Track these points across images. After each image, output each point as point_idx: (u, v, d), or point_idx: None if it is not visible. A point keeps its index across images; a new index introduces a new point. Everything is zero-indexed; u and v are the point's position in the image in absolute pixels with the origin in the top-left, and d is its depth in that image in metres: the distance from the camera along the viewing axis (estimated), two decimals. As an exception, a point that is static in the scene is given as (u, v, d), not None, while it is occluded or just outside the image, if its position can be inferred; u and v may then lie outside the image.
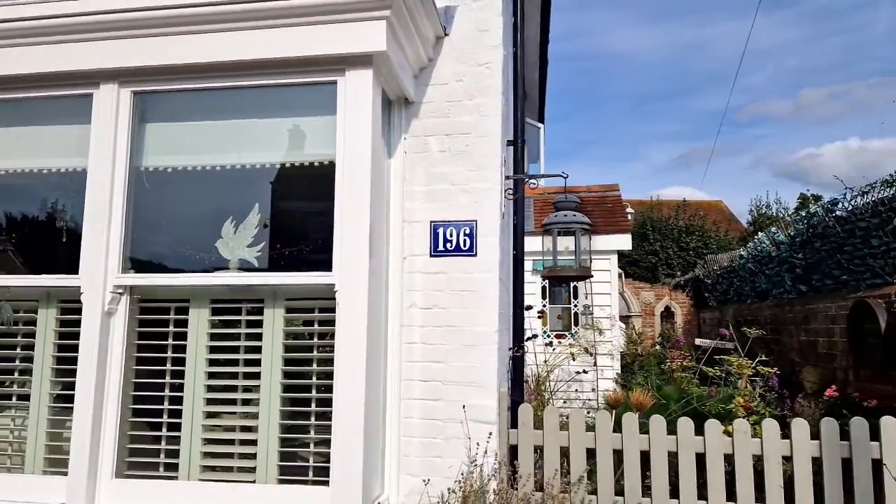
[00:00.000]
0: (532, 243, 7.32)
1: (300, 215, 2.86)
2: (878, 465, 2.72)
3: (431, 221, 3.02)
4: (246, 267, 2.73)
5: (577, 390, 5.78)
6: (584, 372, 5.59)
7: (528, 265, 7.32)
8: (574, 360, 5.39)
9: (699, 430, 2.86)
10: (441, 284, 2.99)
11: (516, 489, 2.89)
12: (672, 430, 2.92)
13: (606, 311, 6.94)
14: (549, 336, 7.15)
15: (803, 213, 7.07)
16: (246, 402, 2.75)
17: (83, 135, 2.83)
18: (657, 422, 2.89)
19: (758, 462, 2.82)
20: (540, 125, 10.93)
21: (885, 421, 2.72)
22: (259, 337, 2.74)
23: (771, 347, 8.08)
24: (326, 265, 2.59)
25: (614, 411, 3.36)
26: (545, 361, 5.53)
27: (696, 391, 4.09)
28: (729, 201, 29.15)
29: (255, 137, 2.85)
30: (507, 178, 3.40)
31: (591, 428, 3.04)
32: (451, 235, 2.99)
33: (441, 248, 3.00)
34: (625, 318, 12.55)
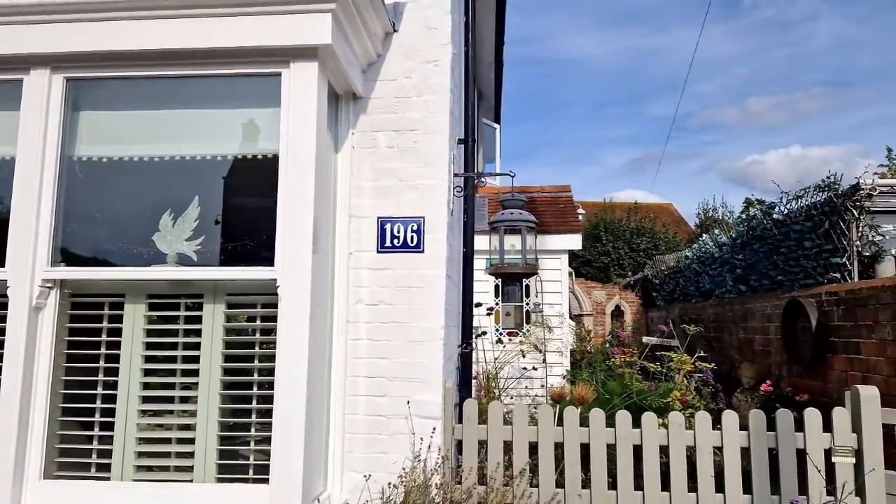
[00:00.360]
0: (486, 242, 7.41)
1: (243, 209, 2.81)
2: (802, 455, 2.88)
3: (379, 217, 3.01)
4: (185, 261, 2.66)
5: (526, 387, 5.87)
6: (534, 369, 5.68)
7: (481, 264, 7.39)
8: (524, 356, 5.48)
9: (637, 423, 2.96)
10: (388, 281, 2.99)
11: (461, 483, 2.92)
12: (612, 423, 3.01)
13: (557, 309, 7.07)
14: (501, 334, 7.23)
15: (744, 216, 7.38)
16: (184, 399, 2.68)
17: (13, 122, 2.69)
18: (596, 415, 2.97)
19: (692, 453, 2.94)
20: (496, 126, 11.04)
21: (809, 413, 2.87)
22: (198, 333, 2.67)
23: (713, 345, 8.41)
24: (269, 260, 2.55)
25: (558, 406, 3.43)
26: (496, 359, 5.60)
27: (637, 386, 4.22)
28: (679, 205, 30.22)
29: (196, 128, 2.78)
30: (457, 175, 3.42)
31: (535, 422, 3.10)
32: (398, 232, 2.99)
33: (388, 244, 3.00)
34: (577, 317, 12.81)
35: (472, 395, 5.09)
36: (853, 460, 2.79)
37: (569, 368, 6.88)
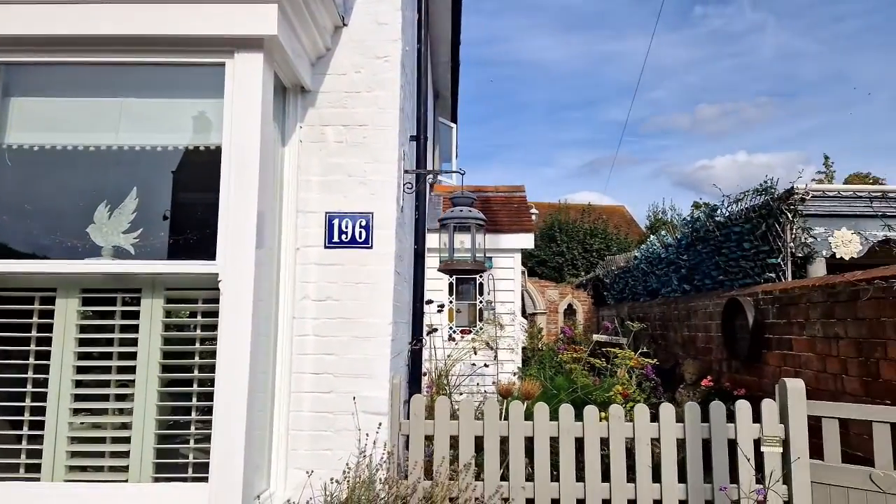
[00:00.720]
0: (440, 240, 7.45)
1: (185, 202, 2.73)
2: (734, 445, 3.01)
3: (327, 212, 2.99)
4: (121, 255, 2.57)
5: (478, 384, 5.93)
6: (486, 366, 5.75)
7: (435, 262, 7.42)
8: (476, 354, 5.53)
9: (581, 417, 3.03)
10: (335, 276, 2.97)
11: (407, 478, 2.93)
12: (557, 417, 3.08)
13: (509, 307, 7.17)
14: (454, 331, 7.27)
15: (688, 218, 7.66)
16: (120, 397, 2.59)
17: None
18: (541, 409, 3.03)
19: (632, 444, 3.04)
20: (453, 125, 11.09)
21: (740, 405, 3.01)
22: (136, 329, 2.59)
23: (659, 342, 8.69)
24: (211, 254, 2.49)
25: (505, 401, 3.48)
26: (448, 356, 5.63)
27: (583, 381, 4.33)
28: (631, 207, 31.04)
29: (135, 118, 2.69)
30: (407, 171, 3.43)
31: (482, 417, 3.14)
32: (346, 227, 2.98)
33: (336, 239, 2.98)
34: (531, 316, 13.00)
35: (423, 392, 5.11)
36: (780, 450, 2.94)
37: (520, 365, 6.98)
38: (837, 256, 5.59)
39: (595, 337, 10.78)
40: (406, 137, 3.66)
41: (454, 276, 7.43)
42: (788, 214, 5.58)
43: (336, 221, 2.98)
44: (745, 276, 6.31)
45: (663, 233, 8.87)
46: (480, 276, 7.39)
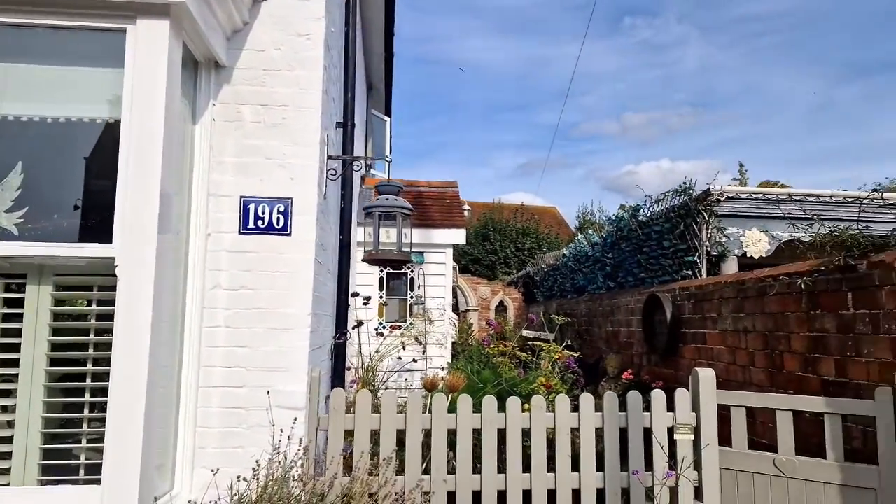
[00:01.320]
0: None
1: (80, 180, 2.49)
2: (650, 434, 3.10)
3: (242, 196, 2.83)
4: (3, 236, 2.31)
5: (407, 379, 5.86)
6: (414, 361, 5.69)
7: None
8: (405, 349, 5.46)
9: (505, 409, 3.02)
10: (250, 264, 2.81)
11: (324, 475, 2.82)
12: (481, 409, 3.05)
13: (440, 302, 7.14)
14: (384, 326, 7.16)
15: (613, 217, 7.90)
16: (0, 393, 2.33)
17: None
18: (464, 401, 3.00)
19: (553, 434, 3.06)
20: (387, 118, 10.95)
21: (655, 394, 3.09)
22: (20, 318, 2.34)
23: (584, 338, 8.93)
24: (107, 237, 2.29)
25: (430, 394, 3.43)
26: (377, 351, 5.52)
27: (509, 374, 4.35)
28: (562, 208, 31.94)
29: (23, 85, 2.43)
30: (331, 157, 3.31)
31: (405, 410, 3.07)
32: (263, 212, 2.82)
33: (252, 225, 2.82)
34: (464, 312, 13.06)
35: (349, 387, 4.98)
36: (692, 437, 3.05)
37: (450, 360, 6.96)
38: (748, 255, 5.91)
39: (524, 332, 10.96)
40: (331, 122, 3.53)
41: (385, 271, 7.32)
42: (704, 214, 5.85)
43: (252, 206, 2.82)
44: (664, 273, 6.57)
45: (590, 231, 9.12)
46: (411, 271, 7.32)
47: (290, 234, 2.84)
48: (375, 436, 2.98)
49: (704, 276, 5.90)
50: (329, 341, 3.76)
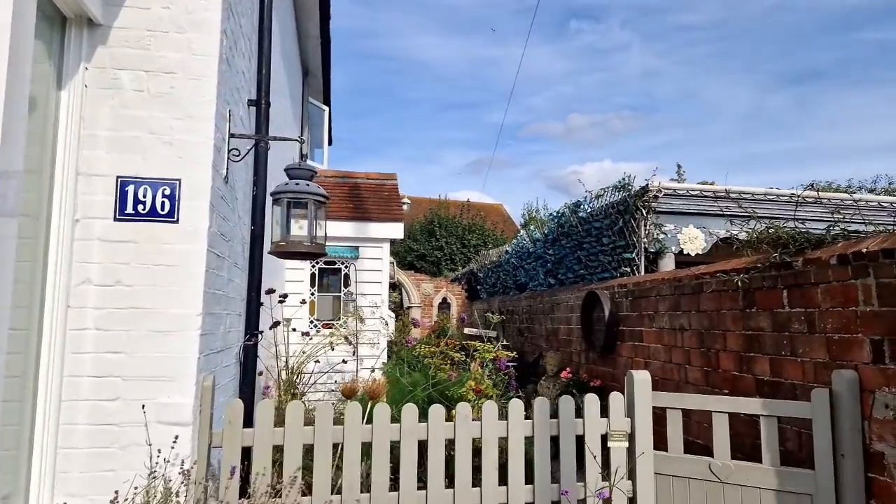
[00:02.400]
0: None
1: None
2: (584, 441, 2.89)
3: (119, 177, 2.42)
4: None
5: (336, 382, 5.49)
6: (344, 362, 5.33)
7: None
8: (333, 349, 5.10)
9: (427, 417, 2.74)
10: (128, 256, 2.41)
11: (218, 497, 2.45)
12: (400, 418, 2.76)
13: (376, 299, 6.80)
14: (316, 325, 6.76)
15: (555, 214, 7.77)
16: None
17: None
18: (381, 410, 2.69)
19: (480, 444, 2.80)
20: (325, 107, 10.48)
21: (588, 399, 2.88)
22: None
23: (525, 335, 8.79)
24: (-71, 220, 1.84)
25: (348, 402, 3.10)
26: (303, 352, 5.13)
27: (441, 376, 4.08)
28: (508, 206, 32.08)
29: None
30: (234, 136, 2.92)
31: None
32: (144, 196, 2.42)
33: (131, 210, 2.42)
34: (407, 309, 12.74)
35: (269, 395, 4.58)
36: (626, 444, 2.85)
37: (385, 361, 6.64)
38: (685, 252, 5.87)
39: (466, 330, 10.76)
40: (238, 98, 3.14)
41: (317, 266, 6.91)
42: (643, 211, 5.75)
43: (131, 188, 2.41)
44: (604, 270, 6.47)
45: (532, 228, 8.98)
46: (346, 267, 6.95)
47: (177, 221, 2.45)
48: (280, 451, 2.64)
49: (643, 272, 5.81)
50: (237, 344, 3.38)
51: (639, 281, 5.36)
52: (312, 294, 6.79)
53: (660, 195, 5.74)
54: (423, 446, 2.71)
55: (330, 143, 13.25)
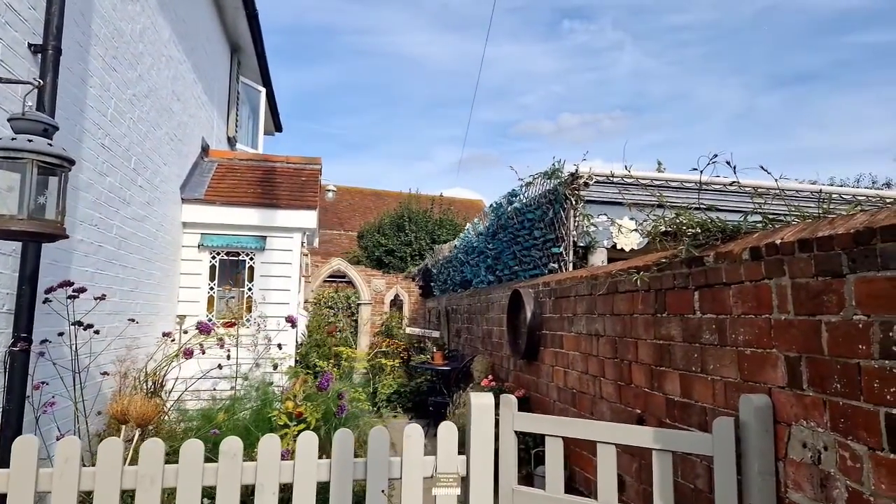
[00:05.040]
0: (204, 213, 6.15)
1: None
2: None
3: None
4: None
5: (214, 388, 4.79)
6: (220, 367, 4.63)
7: (195, 238, 6.13)
8: (204, 353, 4.38)
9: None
10: None
11: None
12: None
13: (283, 295, 6.08)
14: (215, 323, 6.03)
15: (494, 205, 7.08)
16: None
17: None
18: (108, 447, 1.97)
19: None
20: (262, 88, 9.74)
21: (408, 430, 2.18)
22: None
23: (463, 336, 8.12)
24: None
25: (123, 430, 2.40)
26: (177, 354, 4.42)
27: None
28: (488, 200, 31.34)
29: None
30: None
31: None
32: None
33: None
34: (357, 306, 12.04)
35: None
36: (458, 491, 2.16)
37: (292, 364, 5.93)
38: (618, 247, 5.20)
39: (408, 330, 10.07)
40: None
41: (218, 258, 6.18)
42: (572, 200, 5.08)
43: None
44: (535, 266, 5.79)
45: (476, 220, 8.28)
46: (251, 259, 6.22)
47: None
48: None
49: (570, 269, 5.14)
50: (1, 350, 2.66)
51: (561, 279, 4.69)
52: (211, 287, 6.07)
53: (590, 182, 5.07)
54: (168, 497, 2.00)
55: (279, 129, 12.50)
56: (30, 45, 2.80)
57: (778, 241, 2.32)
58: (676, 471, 3.01)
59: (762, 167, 2.65)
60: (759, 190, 3.55)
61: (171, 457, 2.04)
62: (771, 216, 2.76)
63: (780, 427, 2.34)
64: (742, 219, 2.77)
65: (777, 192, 2.93)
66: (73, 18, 3.32)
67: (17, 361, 2.69)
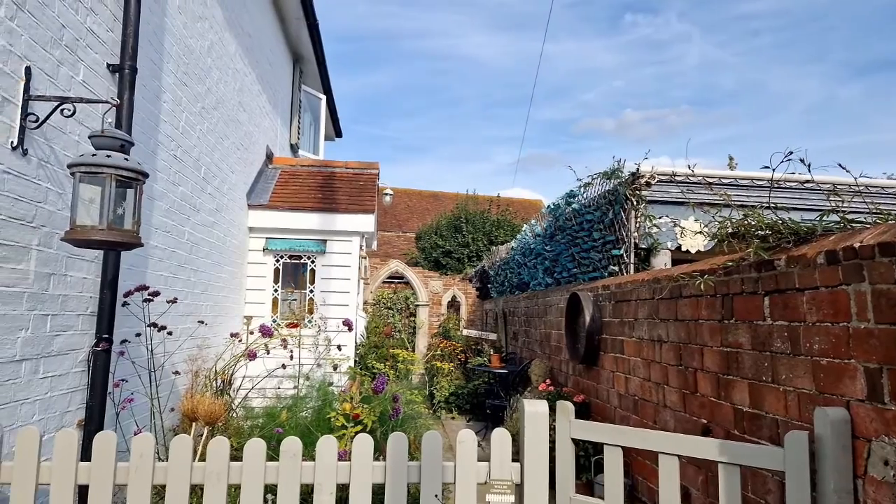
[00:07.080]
0: (268, 218, 6.39)
1: None
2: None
3: None
4: None
5: (279, 387, 4.96)
6: (283, 367, 4.79)
7: (260, 242, 6.38)
8: (268, 353, 4.55)
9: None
10: None
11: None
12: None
13: (344, 297, 6.23)
14: (280, 324, 6.26)
15: (552, 206, 6.97)
16: None
17: None
18: (180, 444, 2.08)
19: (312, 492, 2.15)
20: (322, 96, 10.01)
21: (462, 436, 2.18)
22: None
23: (521, 339, 8.04)
24: None
25: (194, 427, 2.53)
26: (236, 355, 4.62)
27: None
28: (548, 200, 30.92)
29: None
30: (39, 98, 2.39)
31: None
32: None
33: None
34: (415, 307, 12.16)
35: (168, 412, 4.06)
36: (511, 498, 2.14)
37: (352, 365, 6.06)
38: (683, 249, 5.00)
39: (464, 332, 10.07)
40: (60, 56, 2.61)
41: (282, 261, 6.41)
42: (633, 200, 4.94)
43: None
44: (594, 268, 5.67)
45: (533, 221, 8.18)
46: (312, 262, 6.41)
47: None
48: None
49: (631, 272, 4.99)
50: (81, 350, 2.86)
51: (621, 282, 4.57)
52: (276, 290, 6.30)
53: (652, 182, 4.91)
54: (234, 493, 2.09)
55: (339, 134, 12.80)
56: (108, 65, 3.00)
57: (857, 245, 2.17)
58: (746, 485, 2.86)
59: (840, 165, 2.47)
60: (839, 187, 3.33)
61: (239, 451, 2.13)
62: (850, 216, 2.59)
63: (858, 442, 2.18)
64: (818, 218, 2.60)
65: (857, 189, 2.74)
66: (147, 38, 3.53)
67: (99, 360, 2.88)
